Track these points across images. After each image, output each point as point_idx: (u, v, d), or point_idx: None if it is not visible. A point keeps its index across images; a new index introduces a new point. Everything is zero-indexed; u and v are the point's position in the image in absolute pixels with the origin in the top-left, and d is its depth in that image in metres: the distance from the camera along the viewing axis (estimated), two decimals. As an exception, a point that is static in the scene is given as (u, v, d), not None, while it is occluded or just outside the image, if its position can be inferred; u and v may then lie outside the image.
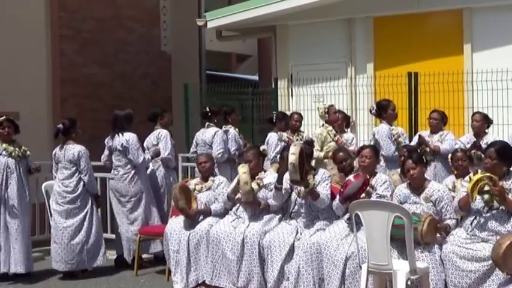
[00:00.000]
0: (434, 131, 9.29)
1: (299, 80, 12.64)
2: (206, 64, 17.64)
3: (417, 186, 7.07)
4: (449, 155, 8.49)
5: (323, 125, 9.96)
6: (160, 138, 9.77)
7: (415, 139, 9.31)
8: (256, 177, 8.03)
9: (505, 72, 10.11)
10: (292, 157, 7.17)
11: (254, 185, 7.91)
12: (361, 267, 6.64)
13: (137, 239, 9.06)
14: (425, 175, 7.28)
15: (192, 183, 8.51)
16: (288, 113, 11.04)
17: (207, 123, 10.20)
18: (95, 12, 14.14)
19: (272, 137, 10.12)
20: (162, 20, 16.09)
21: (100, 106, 13.63)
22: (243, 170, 7.72)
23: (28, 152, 9.05)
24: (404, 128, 10.02)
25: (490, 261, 6.30)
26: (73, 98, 13.46)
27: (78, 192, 8.96)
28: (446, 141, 9.09)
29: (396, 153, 8.95)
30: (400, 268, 6.34)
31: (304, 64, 12.66)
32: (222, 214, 8.11)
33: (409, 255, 6.33)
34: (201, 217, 8.16)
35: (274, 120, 10.34)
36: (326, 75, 11.89)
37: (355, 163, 7.95)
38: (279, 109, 12.28)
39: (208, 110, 10.22)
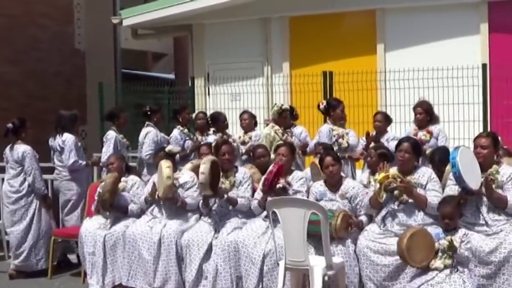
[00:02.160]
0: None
1: (216, 78, 12.64)
2: (121, 62, 17.45)
3: (334, 183, 7.18)
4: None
5: (267, 124, 9.73)
6: (105, 141, 9.67)
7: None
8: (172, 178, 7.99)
9: (416, 72, 10.34)
10: (202, 176, 7.19)
11: (170, 186, 7.89)
12: (278, 264, 6.70)
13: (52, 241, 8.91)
14: None
15: (105, 185, 8.39)
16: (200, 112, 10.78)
17: (147, 122, 10.00)
18: (5, 8, 13.78)
19: (210, 139, 9.61)
20: (76, 18, 15.86)
21: (11, 105, 13.30)
22: (166, 164, 7.65)
23: None
24: (317, 126, 10.11)
25: (402, 256, 6.47)
26: (-18, 98, 13.14)
27: (23, 192, 8.88)
28: (350, 137, 9.27)
29: None
30: (317, 264, 6.42)
31: (220, 63, 12.66)
32: (138, 215, 8.04)
33: (325, 251, 6.41)
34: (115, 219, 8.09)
35: (209, 122, 10.03)
36: (242, 74, 11.93)
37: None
38: (196, 108, 12.24)
39: (148, 108, 10.02)
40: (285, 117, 9.56)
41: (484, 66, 10.31)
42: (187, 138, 9.91)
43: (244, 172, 7.78)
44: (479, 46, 11.14)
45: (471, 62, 10.47)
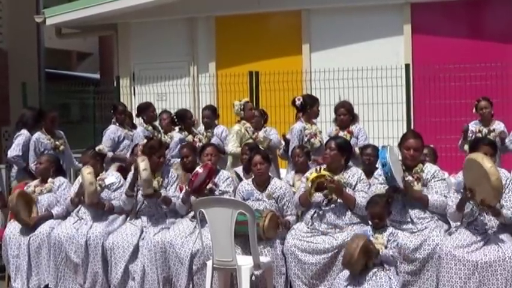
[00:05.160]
0: (256, 127, 9.39)
1: (141, 78, 12.58)
2: (45, 62, 17.16)
3: (261, 183, 7.20)
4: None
5: (239, 121, 9.51)
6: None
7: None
8: (98, 178, 7.88)
9: (341, 72, 10.49)
10: (145, 173, 7.13)
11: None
12: (206, 264, 6.70)
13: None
14: None
15: (32, 185, 8.23)
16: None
17: (113, 120, 9.93)
18: None
19: (175, 137, 9.52)
20: (-3, 16, 15.53)
21: None
22: (87, 170, 7.56)
23: None
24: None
25: (330, 253, 6.56)
26: None
27: None
28: (272, 135, 9.30)
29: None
30: (244, 263, 6.45)
31: (146, 63, 12.62)
32: (64, 217, 7.92)
33: (252, 251, 6.44)
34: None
35: (176, 120, 9.73)
36: (169, 74, 11.89)
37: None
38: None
39: (112, 107, 10.02)
40: (250, 109, 9.39)
41: (407, 66, 10.54)
42: (151, 135, 9.73)
43: (170, 172, 7.74)
44: (402, 47, 11.38)
45: (395, 63, 10.72)
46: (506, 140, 8.87)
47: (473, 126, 9.17)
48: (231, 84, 11.04)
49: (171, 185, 7.61)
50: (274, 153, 9.36)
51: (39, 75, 16.53)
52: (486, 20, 11.40)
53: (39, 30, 16.56)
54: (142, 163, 7.21)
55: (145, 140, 8.04)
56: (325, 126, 10.03)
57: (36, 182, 8.31)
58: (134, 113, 10.52)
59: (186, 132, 9.59)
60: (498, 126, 9.05)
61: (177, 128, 9.73)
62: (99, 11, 12.24)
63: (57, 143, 9.48)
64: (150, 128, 9.86)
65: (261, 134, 9.33)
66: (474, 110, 9.15)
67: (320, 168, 6.91)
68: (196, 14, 12.44)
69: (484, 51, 10.95)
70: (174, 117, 9.77)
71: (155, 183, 7.50)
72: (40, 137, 9.37)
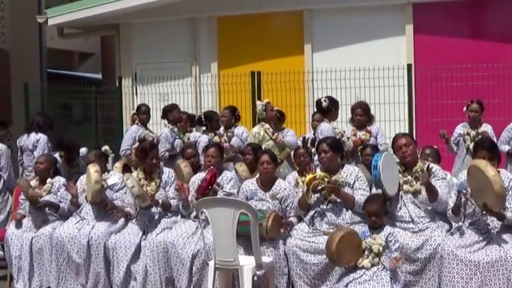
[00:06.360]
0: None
1: (143, 78, 12.58)
2: (47, 62, 17.18)
3: (266, 183, 7.20)
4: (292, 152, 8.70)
5: (259, 122, 9.42)
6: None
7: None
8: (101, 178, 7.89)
9: (343, 72, 10.49)
10: (135, 190, 7.16)
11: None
12: (207, 263, 6.69)
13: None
14: None
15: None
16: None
17: (136, 121, 9.99)
18: None
19: (203, 139, 9.44)
20: (-1, 16, 15.54)
21: None
22: (94, 168, 7.55)
23: None
24: (247, 127, 10.11)
25: (330, 255, 6.56)
26: None
27: None
28: (288, 136, 9.29)
29: None
30: (247, 264, 6.45)
31: (148, 63, 12.62)
32: (66, 216, 7.91)
33: (255, 251, 6.43)
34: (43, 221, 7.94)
35: (203, 121, 9.73)
36: (171, 74, 11.90)
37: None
38: (124, 108, 12.15)
39: (136, 108, 10.15)
40: (272, 110, 9.28)
41: (409, 66, 10.53)
42: (177, 137, 9.70)
43: (168, 172, 7.73)
44: (404, 47, 11.38)
45: (396, 63, 10.70)
46: None
47: (461, 129, 9.22)
48: (233, 84, 11.04)
49: (170, 186, 7.61)
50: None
51: (41, 75, 16.54)
52: (488, 20, 11.40)
53: (41, 30, 16.58)
54: (128, 181, 7.24)
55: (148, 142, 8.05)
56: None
57: (34, 183, 8.21)
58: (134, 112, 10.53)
59: (212, 134, 9.52)
60: (486, 128, 9.07)
61: (194, 129, 9.87)
62: (101, 11, 12.25)
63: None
64: (176, 129, 9.76)
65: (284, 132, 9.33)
66: (465, 109, 9.17)
67: (315, 170, 6.94)
68: (198, 14, 12.45)
69: (485, 51, 10.95)
70: (202, 117, 9.77)
71: (153, 185, 7.52)
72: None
